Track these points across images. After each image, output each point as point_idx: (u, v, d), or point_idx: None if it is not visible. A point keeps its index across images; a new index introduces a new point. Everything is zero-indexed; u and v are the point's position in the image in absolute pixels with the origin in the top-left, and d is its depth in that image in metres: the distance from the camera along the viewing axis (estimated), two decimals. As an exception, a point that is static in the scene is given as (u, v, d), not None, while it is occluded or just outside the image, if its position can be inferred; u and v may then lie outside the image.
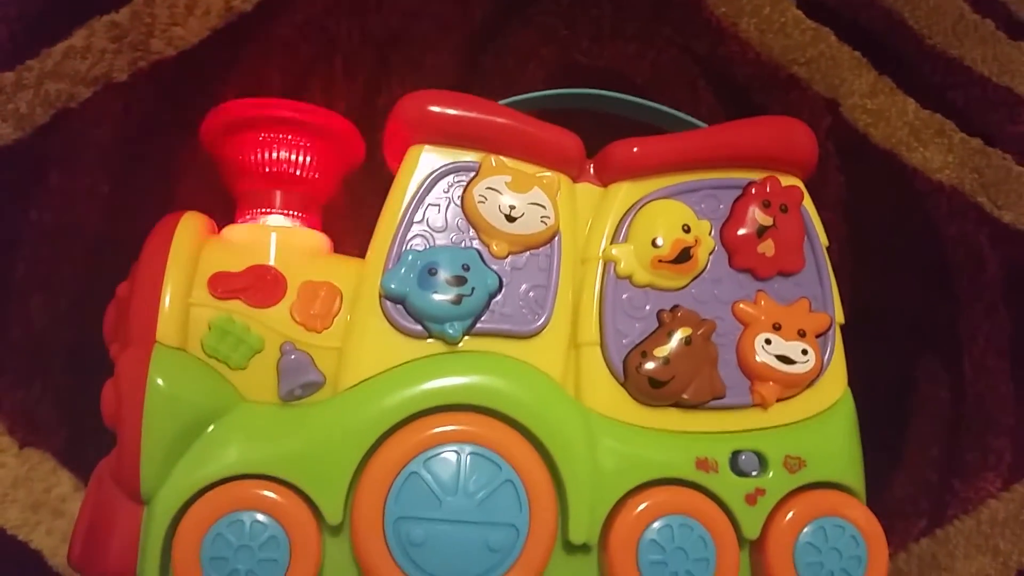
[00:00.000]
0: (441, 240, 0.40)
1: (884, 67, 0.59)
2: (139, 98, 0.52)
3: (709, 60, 0.58)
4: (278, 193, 0.42)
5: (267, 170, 0.42)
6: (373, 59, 0.55)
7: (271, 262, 0.40)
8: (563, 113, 0.44)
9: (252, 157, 0.42)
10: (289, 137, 0.42)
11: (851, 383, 0.43)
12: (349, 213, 0.47)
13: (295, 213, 0.43)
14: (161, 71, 0.52)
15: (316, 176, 0.43)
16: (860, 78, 0.58)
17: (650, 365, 0.40)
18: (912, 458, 0.54)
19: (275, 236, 0.41)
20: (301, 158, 0.42)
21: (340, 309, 0.39)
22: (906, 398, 0.55)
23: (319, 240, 0.43)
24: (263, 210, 0.42)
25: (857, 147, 0.58)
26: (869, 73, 0.59)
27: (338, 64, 0.55)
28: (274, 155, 0.42)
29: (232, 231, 0.42)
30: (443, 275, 0.38)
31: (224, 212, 0.43)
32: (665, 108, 0.46)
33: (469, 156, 0.41)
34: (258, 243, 0.41)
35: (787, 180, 0.44)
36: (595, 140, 0.43)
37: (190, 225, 0.40)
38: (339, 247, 0.43)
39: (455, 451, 0.37)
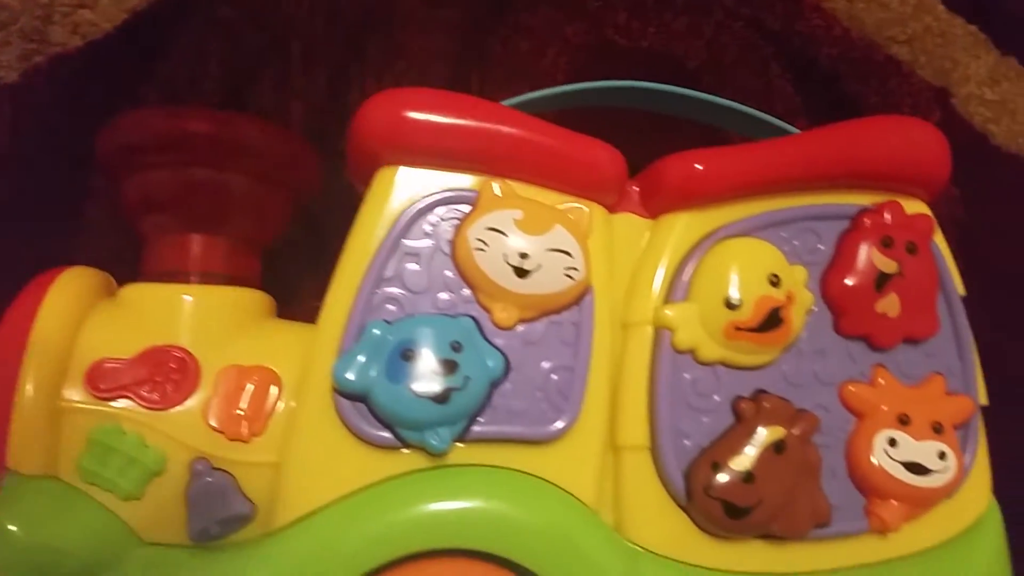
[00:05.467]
0: (422, 305, 0.32)
1: (1008, 44, 0.50)
2: (34, 103, 0.45)
3: (784, 38, 0.51)
4: (196, 239, 0.35)
5: (180, 207, 0.35)
6: (341, 44, 0.49)
7: (181, 341, 0.32)
8: (593, 116, 0.37)
9: (159, 189, 0.35)
10: (211, 161, 0.34)
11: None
12: (309, 253, 0.41)
13: (221, 265, 0.35)
14: (63, 68, 0.44)
15: (250, 213, 0.36)
16: (977, 59, 0.50)
17: (724, 480, 0.31)
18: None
19: (189, 300, 0.33)
20: (228, 190, 0.35)
21: (277, 406, 0.32)
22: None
23: (255, 301, 0.35)
24: (175, 262, 0.35)
25: (975, 150, 0.49)
26: (989, 53, 0.50)
27: (295, 52, 0.49)
28: (190, 186, 0.34)
29: (131, 293, 0.34)
30: (423, 360, 0.30)
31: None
32: (732, 104, 0.39)
33: (463, 181, 0.33)
34: (163, 312, 0.33)
35: (912, 206, 0.35)
36: (639, 153, 0.36)
37: (68, 289, 0.33)
38: (293, 305, 0.36)
39: (443, 623, 0.30)
